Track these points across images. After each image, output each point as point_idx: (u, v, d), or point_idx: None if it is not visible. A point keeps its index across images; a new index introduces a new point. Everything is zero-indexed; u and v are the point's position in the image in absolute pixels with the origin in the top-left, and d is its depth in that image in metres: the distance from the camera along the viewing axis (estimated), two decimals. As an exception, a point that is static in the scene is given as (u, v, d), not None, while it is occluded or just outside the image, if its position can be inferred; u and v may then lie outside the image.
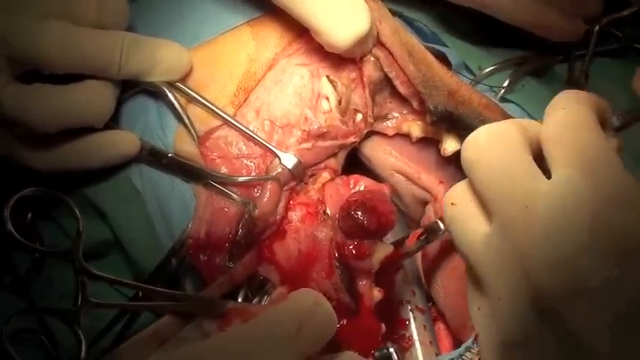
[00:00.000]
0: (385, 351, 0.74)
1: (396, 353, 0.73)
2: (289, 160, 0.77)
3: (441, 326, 0.84)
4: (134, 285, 0.70)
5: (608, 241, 0.55)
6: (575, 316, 0.55)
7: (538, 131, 0.62)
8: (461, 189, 0.65)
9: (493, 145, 0.61)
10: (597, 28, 0.92)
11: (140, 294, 0.72)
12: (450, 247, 0.82)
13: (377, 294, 0.76)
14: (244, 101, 0.77)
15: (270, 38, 0.80)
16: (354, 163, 0.87)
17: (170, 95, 0.76)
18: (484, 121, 0.77)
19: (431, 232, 0.77)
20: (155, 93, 0.77)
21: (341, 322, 0.74)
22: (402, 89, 0.81)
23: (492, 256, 0.60)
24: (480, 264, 0.61)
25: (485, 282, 0.61)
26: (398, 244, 0.78)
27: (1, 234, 0.67)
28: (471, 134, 0.63)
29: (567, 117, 0.60)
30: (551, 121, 0.61)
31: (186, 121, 0.76)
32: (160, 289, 0.69)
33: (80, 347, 0.64)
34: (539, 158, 0.61)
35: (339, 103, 0.80)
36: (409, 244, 0.78)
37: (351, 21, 0.74)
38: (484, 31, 0.90)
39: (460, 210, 0.64)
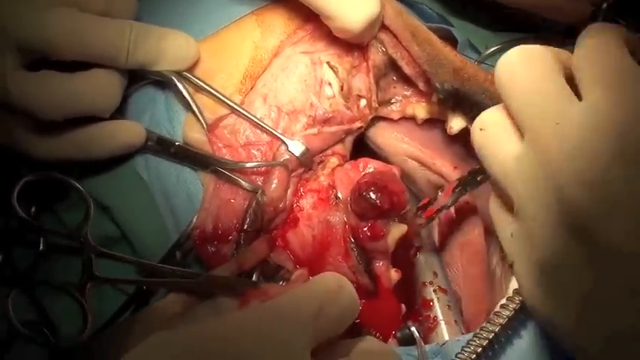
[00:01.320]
0: (407, 331, 0.73)
1: (418, 332, 0.72)
2: (296, 147, 0.76)
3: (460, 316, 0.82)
4: (143, 263, 0.69)
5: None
6: (609, 232, 0.54)
7: (569, 60, 0.62)
8: (490, 114, 0.65)
9: (528, 63, 0.61)
10: (605, 6, 0.91)
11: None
12: (471, 232, 0.81)
13: (394, 275, 0.75)
14: (251, 88, 0.77)
15: (275, 25, 0.80)
16: (362, 150, 0.86)
17: (178, 84, 0.76)
18: (491, 98, 0.78)
19: (466, 183, 0.77)
20: (163, 85, 0.77)
21: (361, 304, 0.74)
22: (407, 70, 0.81)
23: (525, 175, 0.59)
24: (513, 184, 0.61)
25: (518, 203, 0.60)
26: (431, 200, 0.78)
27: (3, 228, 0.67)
28: (505, 54, 0.63)
29: (597, 42, 0.61)
30: (582, 46, 0.61)
31: (195, 108, 0.76)
32: (169, 266, 0.68)
33: (86, 321, 0.64)
34: (570, 85, 0.61)
35: (342, 88, 0.79)
36: (444, 198, 0.77)
37: (362, 4, 0.75)
38: (488, 14, 0.90)
39: (490, 133, 0.64)
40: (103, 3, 0.72)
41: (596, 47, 0.61)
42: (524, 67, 0.61)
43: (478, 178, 0.77)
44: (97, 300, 0.67)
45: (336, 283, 0.60)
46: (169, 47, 0.75)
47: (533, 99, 0.60)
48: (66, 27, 0.69)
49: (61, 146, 0.73)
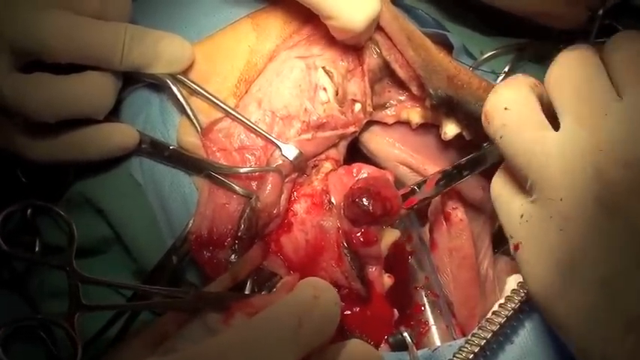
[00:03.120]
0: (399, 336, 0.73)
1: (410, 337, 0.72)
2: (290, 151, 0.76)
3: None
4: (129, 286, 0.70)
5: None
6: None
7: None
8: (515, 93, 0.68)
9: (580, 62, 0.67)
10: (601, 12, 0.91)
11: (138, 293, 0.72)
12: (459, 237, 0.81)
13: (387, 280, 0.75)
14: (246, 92, 0.77)
15: (271, 29, 0.80)
16: (356, 154, 0.86)
17: (173, 87, 0.76)
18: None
19: (449, 176, 0.78)
20: (157, 87, 0.77)
21: (353, 310, 0.74)
22: (401, 73, 0.81)
23: (560, 155, 0.62)
24: (541, 164, 0.63)
25: (543, 183, 0.63)
26: (412, 191, 0.78)
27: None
28: (563, 52, 0.69)
29: (631, 48, 0.66)
30: (617, 51, 0.67)
31: (190, 112, 0.76)
32: (156, 287, 0.68)
33: (76, 351, 0.64)
34: None
35: (337, 93, 0.79)
36: (427, 189, 0.78)
37: (363, 3, 0.75)
38: (484, 19, 0.90)
39: (516, 113, 0.67)
40: (98, 5, 0.72)
41: (633, 51, 0.66)
42: (579, 64, 0.67)
43: (464, 173, 0.78)
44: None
45: (311, 293, 0.60)
46: (164, 50, 0.75)
47: (581, 87, 0.65)
48: (61, 29, 0.69)
49: (56, 148, 0.74)
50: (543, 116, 0.67)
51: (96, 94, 0.72)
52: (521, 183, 0.67)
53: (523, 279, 0.66)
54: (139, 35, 0.73)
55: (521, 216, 0.66)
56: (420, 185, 0.79)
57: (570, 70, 0.67)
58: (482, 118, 0.70)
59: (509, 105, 0.67)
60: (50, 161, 0.74)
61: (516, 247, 0.66)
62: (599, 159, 0.60)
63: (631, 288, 0.58)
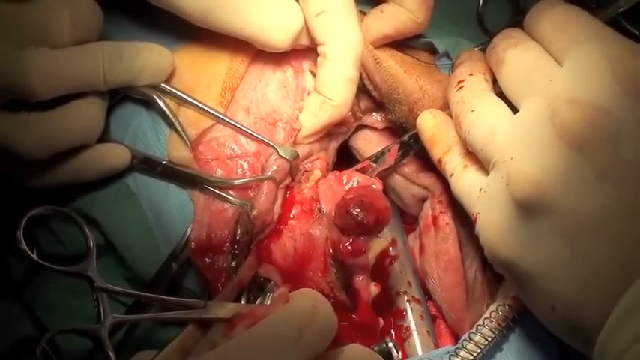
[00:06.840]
0: (384, 346, 0.74)
1: (395, 347, 0.74)
2: (286, 152, 0.76)
3: (441, 324, 0.84)
4: (158, 299, 0.71)
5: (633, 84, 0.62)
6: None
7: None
8: (467, 71, 0.76)
9: (520, 51, 0.72)
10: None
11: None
12: (445, 241, 0.82)
13: (374, 289, 0.77)
14: (231, 100, 0.77)
15: None
16: (347, 157, 0.87)
17: (160, 102, 0.75)
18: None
19: (406, 146, 0.82)
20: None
21: (338, 319, 0.76)
22: (374, 94, 0.82)
23: (511, 121, 0.68)
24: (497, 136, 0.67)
25: (498, 150, 0.66)
26: (379, 160, 0.83)
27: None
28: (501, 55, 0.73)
29: (557, 14, 0.70)
30: (535, 24, 0.71)
31: (178, 127, 0.75)
32: (176, 299, 0.69)
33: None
34: None
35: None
36: (389, 160, 0.82)
37: (281, 21, 0.74)
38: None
39: (471, 84, 0.74)
40: (71, 32, 0.70)
41: (554, 18, 0.69)
42: (520, 55, 0.71)
43: (421, 142, 0.80)
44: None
45: (310, 303, 0.61)
46: (145, 62, 0.74)
47: (531, 75, 0.68)
48: (41, 69, 0.68)
49: (53, 175, 0.74)
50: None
51: (86, 124, 0.72)
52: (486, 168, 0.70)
53: (484, 248, 0.69)
54: (117, 52, 0.72)
55: (480, 190, 0.69)
56: (378, 158, 0.82)
57: (514, 63, 0.70)
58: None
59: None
60: (47, 187, 0.74)
61: (475, 220, 0.69)
62: (549, 109, 0.63)
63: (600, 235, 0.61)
